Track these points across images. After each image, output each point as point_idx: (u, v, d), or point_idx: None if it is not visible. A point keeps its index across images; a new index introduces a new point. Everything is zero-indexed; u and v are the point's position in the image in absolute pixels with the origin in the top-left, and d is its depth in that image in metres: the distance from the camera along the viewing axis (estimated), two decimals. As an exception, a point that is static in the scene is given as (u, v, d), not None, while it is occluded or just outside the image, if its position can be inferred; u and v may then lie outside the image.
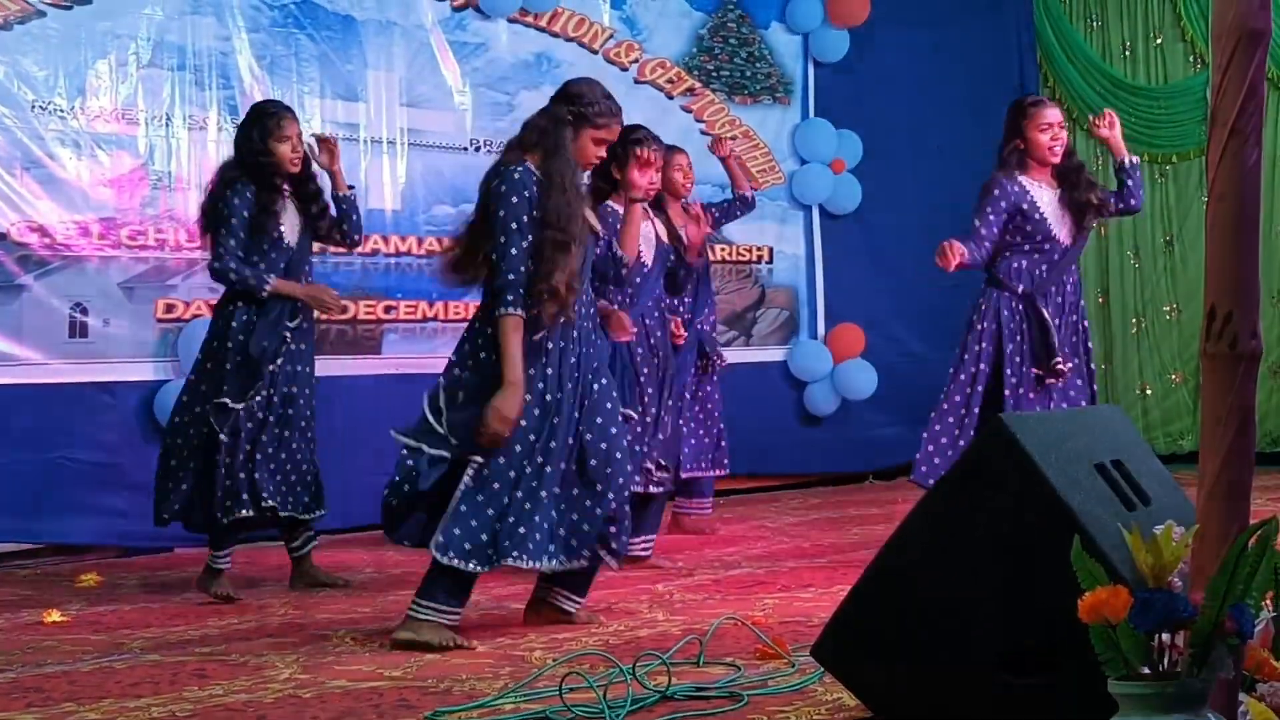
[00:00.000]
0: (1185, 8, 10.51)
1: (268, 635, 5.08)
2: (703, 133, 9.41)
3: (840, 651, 3.50)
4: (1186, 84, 10.48)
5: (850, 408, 9.91)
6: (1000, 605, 3.19)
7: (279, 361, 5.95)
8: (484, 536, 4.77)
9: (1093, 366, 6.41)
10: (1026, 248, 6.24)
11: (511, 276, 4.73)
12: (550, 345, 4.86)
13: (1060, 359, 6.15)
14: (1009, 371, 6.18)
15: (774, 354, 9.84)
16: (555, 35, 8.82)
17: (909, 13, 10.25)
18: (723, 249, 9.48)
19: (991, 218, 6.20)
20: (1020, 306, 6.24)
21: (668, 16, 9.46)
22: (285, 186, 6.04)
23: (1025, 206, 6.20)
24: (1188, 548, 2.66)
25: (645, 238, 6.33)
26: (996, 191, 6.22)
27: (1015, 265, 6.26)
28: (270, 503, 5.90)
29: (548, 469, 4.81)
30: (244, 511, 5.86)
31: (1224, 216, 2.69)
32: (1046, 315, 6.18)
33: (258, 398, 5.88)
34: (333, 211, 6.21)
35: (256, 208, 5.92)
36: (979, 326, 6.27)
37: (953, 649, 3.25)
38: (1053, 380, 6.17)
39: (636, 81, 9.21)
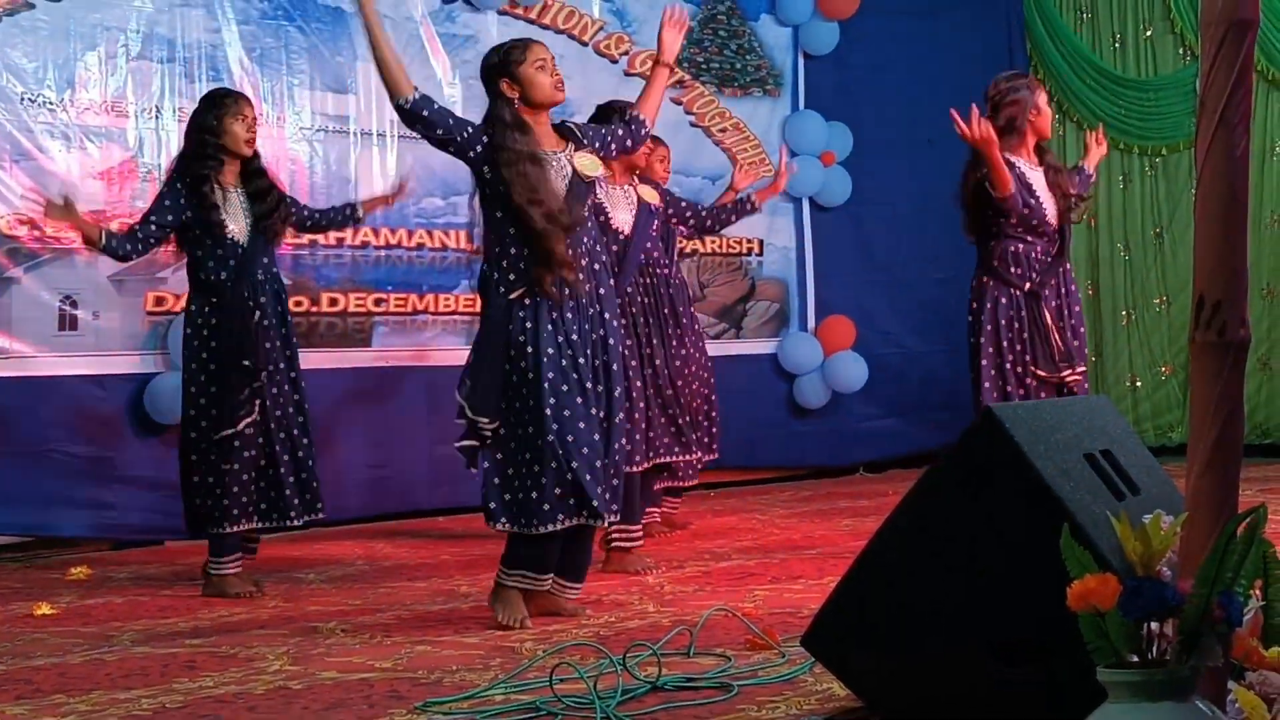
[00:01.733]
0: (1175, 0, 10.52)
1: (258, 627, 5.08)
2: (692, 123, 9.43)
3: (830, 642, 3.50)
4: (1176, 76, 10.49)
5: (840, 400, 9.92)
6: (990, 594, 3.19)
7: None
8: (506, 497, 4.89)
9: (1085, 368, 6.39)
10: (1021, 230, 6.17)
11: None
12: (555, 315, 4.90)
13: (1071, 368, 6.14)
14: (1008, 367, 6.14)
15: (764, 346, 9.84)
16: (545, 27, 8.81)
17: (899, 5, 10.26)
18: (713, 241, 9.47)
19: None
20: (1021, 303, 6.18)
21: (658, 8, 9.35)
22: (230, 183, 5.88)
23: (1024, 189, 6.16)
24: (1176, 536, 2.66)
25: (626, 206, 6.31)
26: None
27: (1013, 250, 6.17)
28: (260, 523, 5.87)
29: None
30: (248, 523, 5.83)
31: (1212, 205, 2.69)
32: (1048, 319, 6.15)
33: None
34: (286, 211, 6.08)
35: (196, 201, 5.79)
36: (982, 321, 6.19)
37: (942, 638, 3.25)
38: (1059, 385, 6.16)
39: (627, 74, 9.20)
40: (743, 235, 9.73)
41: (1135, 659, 2.56)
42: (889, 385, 10.01)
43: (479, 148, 4.95)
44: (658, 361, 6.48)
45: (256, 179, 5.96)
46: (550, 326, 4.88)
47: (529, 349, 4.87)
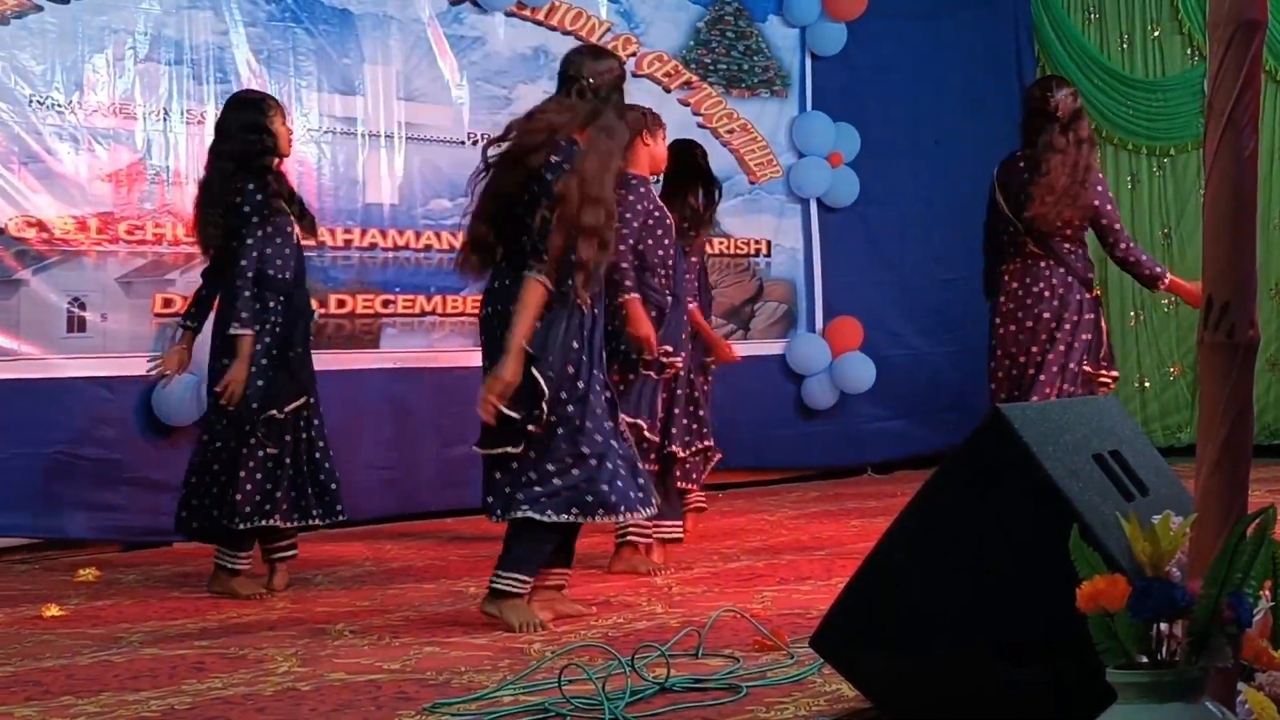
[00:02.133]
0: (1183, 0, 10.51)
1: (266, 628, 5.08)
2: (700, 124, 9.44)
3: (839, 643, 3.50)
4: (1184, 76, 10.48)
5: (848, 401, 9.92)
6: (999, 595, 3.19)
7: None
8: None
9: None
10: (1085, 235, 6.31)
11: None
12: (580, 318, 4.96)
13: (1109, 368, 6.24)
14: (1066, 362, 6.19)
15: (772, 347, 9.84)
16: (553, 29, 8.82)
17: (906, 6, 10.26)
18: (720, 242, 9.48)
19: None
20: (1093, 303, 6.29)
21: (665, 9, 9.46)
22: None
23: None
24: (1185, 536, 2.66)
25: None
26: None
27: (1087, 255, 6.33)
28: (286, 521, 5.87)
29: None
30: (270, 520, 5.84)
31: (1220, 206, 2.69)
32: (1105, 322, 6.30)
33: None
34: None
35: (265, 195, 5.79)
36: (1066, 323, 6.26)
37: (951, 639, 3.25)
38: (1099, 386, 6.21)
39: (634, 75, 9.20)
40: (750, 236, 9.74)
41: (1144, 660, 2.56)
42: (897, 386, 10.01)
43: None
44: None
45: (285, 182, 6.01)
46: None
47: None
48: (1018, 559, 3.15)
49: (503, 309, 4.88)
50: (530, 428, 4.84)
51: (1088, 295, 6.27)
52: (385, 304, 8.15)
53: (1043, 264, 6.24)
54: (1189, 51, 10.55)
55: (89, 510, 7.14)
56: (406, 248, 8.25)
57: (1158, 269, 6.30)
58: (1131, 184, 10.75)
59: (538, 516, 4.85)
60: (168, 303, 7.38)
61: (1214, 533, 2.63)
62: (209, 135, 7.45)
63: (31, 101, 7.09)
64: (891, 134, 10.15)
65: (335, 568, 6.48)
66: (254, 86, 7.52)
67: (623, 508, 4.92)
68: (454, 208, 8.17)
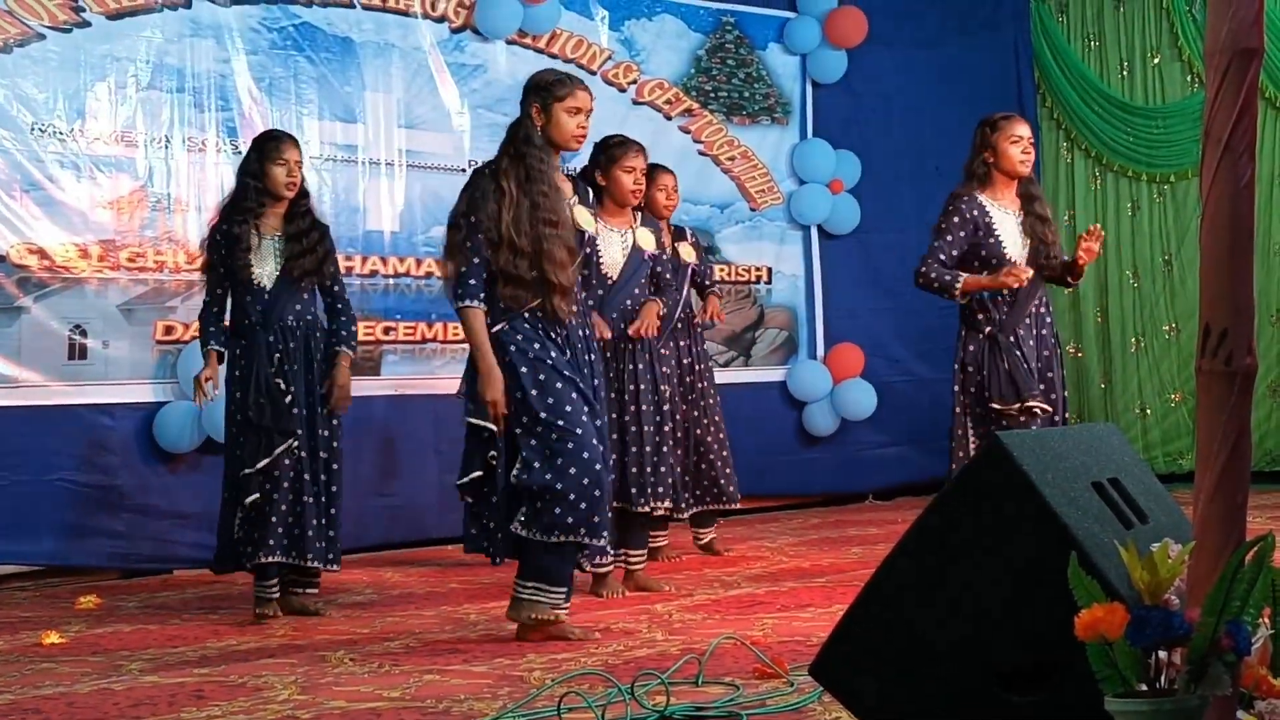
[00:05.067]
0: (1183, 27, 10.53)
1: (266, 656, 5.08)
2: (700, 151, 9.46)
3: (839, 670, 3.49)
4: (1184, 104, 10.50)
5: (849, 428, 9.92)
6: (998, 623, 3.18)
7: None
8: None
9: (1066, 412, 6.32)
10: (985, 273, 6.10)
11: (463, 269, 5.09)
12: (554, 335, 5.13)
13: (1033, 398, 6.06)
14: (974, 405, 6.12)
15: (773, 374, 9.84)
16: (553, 56, 8.84)
17: (906, 33, 10.29)
18: (721, 269, 9.49)
19: (949, 238, 6.11)
20: (987, 347, 6.10)
21: (665, 37, 9.49)
22: (272, 227, 5.97)
23: (982, 230, 6.10)
24: (1184, 564, 2.66)
25: (620, 249, 6.33)
26: (958, 208, 6.13)
27: (979, 298, 6.13)
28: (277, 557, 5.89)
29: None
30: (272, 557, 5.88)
31: (1218, 233, 2.69)
32: (1016, 354, 6.08)
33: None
34: (324, 250, 6.11)
35: (229, 246, 5.92)
36: (959, 368, 6.20)
37: (950, 667, 3.24)
38: (1023, 418, 6.07)
39: (635, 102, 9.23)
40: (751, 263, 9.75)
41: (1143, 688, 2.56)
42: (898, 413, 10.01)
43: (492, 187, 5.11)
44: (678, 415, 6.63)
45: (299, 220, 6.03)
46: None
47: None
48: (1016, 586, 3.14)
49: None
50: None
51: (970, 332, 6.19)
52: (386, 331, 8.16)
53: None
54: (1189, 79, 10.57)
55: (90, 537, 7.14)
56: (407, 275, 8.26)
57: (946, 279, 6.18)
58: (1132, 211, 10.77)
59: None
60: (169, 330, 7.39)
61: (1212, 560, 2.63)
62: (210, 163, 7.54)
63: (33, 129, 7.11)
64: (892, 161, 10.17)
65: (335, 595, 6.47)
66: (255, 114, 7.56)
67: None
68: (455, 235, 8.17)
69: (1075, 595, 2.65)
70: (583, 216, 5.34)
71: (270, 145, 5.99)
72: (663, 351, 6.51)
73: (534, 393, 5.04)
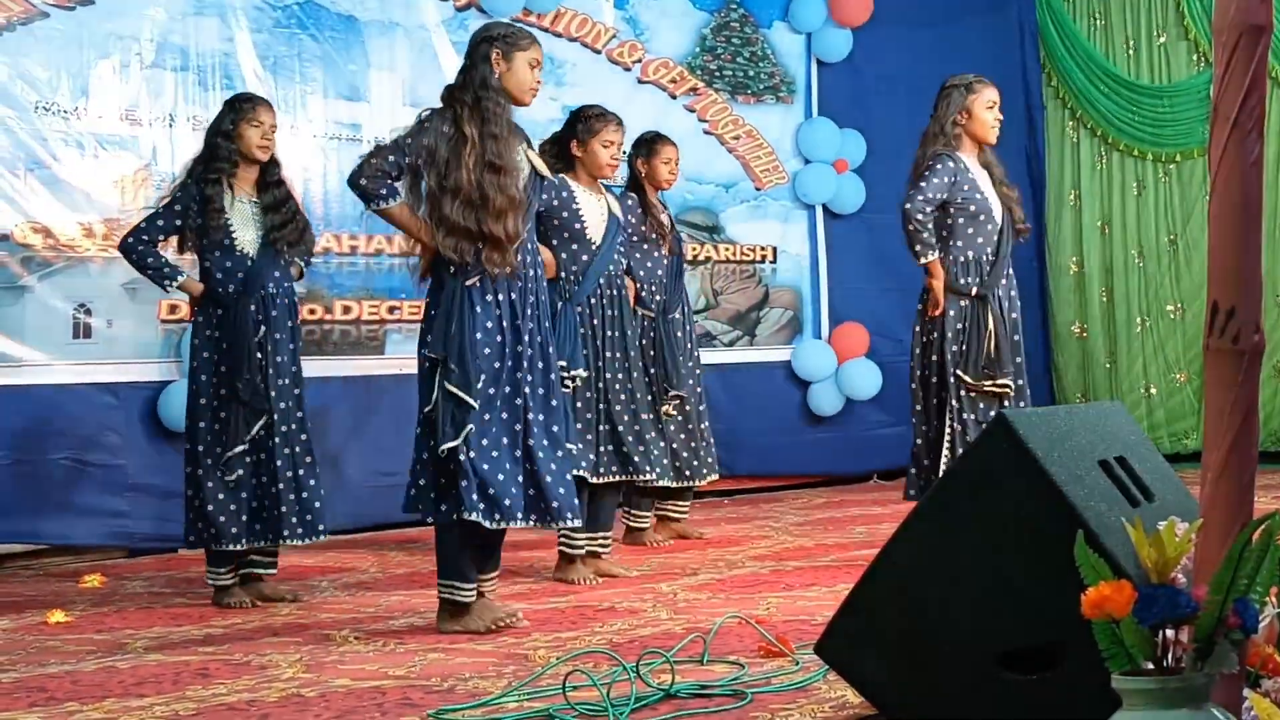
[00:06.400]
0: (1189, 5, 10.50)
1: (271, 635, 5.08)
2: (705, 130, 9.44)
3: (843, 649, 3.49)
4: (1190, 82, 10.47)
5: (854, 408, 9.91)
6: (1004, 601, 3.18)
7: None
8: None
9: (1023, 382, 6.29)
10: (970, 230, 6.13)
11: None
12: (500, 295, 5.06)
13: (1007, 377, 6.06)
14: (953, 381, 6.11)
15: (778, 354, 9.83)
16: (558, 35, 8.82)
17: (912, 12, 10.26)
18: (726, 249, 9.49)
19: (936, 181, 6.06)
20: (969, 311, 6.13)
21: (671, 16, 9.46)
22: (245, 191, 5.82)
23: (968, 186, 6.10)
24: (1191, 542, 2.65)
25: (599, 216, 6.31)
26: (945, 165, 6.10)
27: (963, 259, 6.14)
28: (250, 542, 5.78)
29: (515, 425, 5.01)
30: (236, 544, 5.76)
31: (1226, 212, 2.68)
32: (992, 325, 6.08)
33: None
34: (307, 230, 6.02)
35: (201, 206, 5.73)
36: (925, 338, 6.20)
37: (956, 645, 3.24)
38: (992, 396, 6.07)
39: (640, 81, 9.21)
40: (756, 243, 9.74)
41: (1150, 666, 2.55)
42: (903, 392, 9.92)
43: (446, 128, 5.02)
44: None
45: (273, 189, 5.90)
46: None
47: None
48: (1023, 564, 3.14)
49: None
50: None
51: (950, 295, 6.15)
52: (391, 310, 8.14)
53: None
54: (1195, 57, 10.54)
55: (94, 516, 7.14)
56: (413, 254, 8.21)
57: (927, 239, 6.08)
58: (1138, 190, 10.74)
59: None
60: (173, 309, 7.37)
61: (1220, 539, 2.62)
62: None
63: (37, 108, 7.10)
64: (897, 140, 10.09)
65: (339, 574, 6.48)
66: (260, 93, 7.52)
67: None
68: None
69: (1082, 573, 2.64)
70: (539, 162, 5.24)
71: (245, 106, 5.87)
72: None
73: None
